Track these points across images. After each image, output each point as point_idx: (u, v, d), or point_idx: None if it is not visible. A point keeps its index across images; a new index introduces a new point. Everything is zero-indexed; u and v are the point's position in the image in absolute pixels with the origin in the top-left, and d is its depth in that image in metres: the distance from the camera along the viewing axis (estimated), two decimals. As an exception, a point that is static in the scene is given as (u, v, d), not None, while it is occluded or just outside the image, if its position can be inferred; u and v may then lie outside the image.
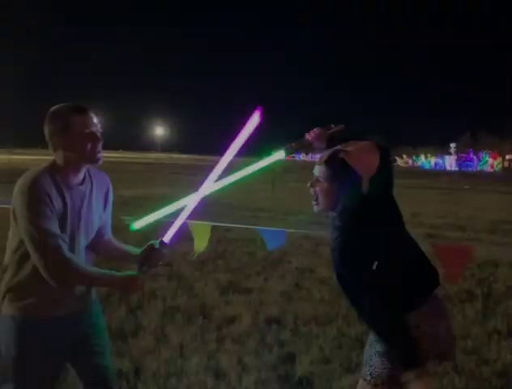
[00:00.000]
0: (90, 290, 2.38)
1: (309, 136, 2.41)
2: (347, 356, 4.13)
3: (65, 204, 2.16)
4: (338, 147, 2.19)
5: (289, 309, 5.33)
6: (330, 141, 2.34)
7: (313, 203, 2.29)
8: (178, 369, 3.81)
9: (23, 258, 2.14)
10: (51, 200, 2.09)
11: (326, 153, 2.22)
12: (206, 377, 3.70)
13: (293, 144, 2.41)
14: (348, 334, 4.55)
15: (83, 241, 2.27)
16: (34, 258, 2.07)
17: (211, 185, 2.24)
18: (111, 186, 2.48)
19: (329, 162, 2.18)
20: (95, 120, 2.25)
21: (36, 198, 2.06)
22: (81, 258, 2.24)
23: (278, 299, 5.72)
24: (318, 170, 2.24)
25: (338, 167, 2.14)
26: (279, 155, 2.38)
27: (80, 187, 2.25)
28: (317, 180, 2.24)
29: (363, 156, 2.10)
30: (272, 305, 5.44)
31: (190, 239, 3.86)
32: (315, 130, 2.36)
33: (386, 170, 2.15)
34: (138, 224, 2.33)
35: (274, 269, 7.21)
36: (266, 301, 5.63)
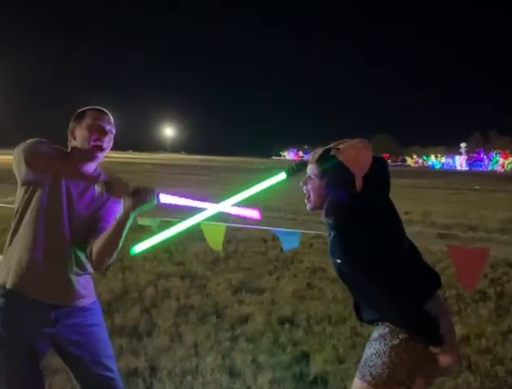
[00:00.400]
0: (75, 286, 2.33)
1: (309, 157, 2.44)
2: (361, 355, 4.12)
3: (55, 179, 2.24)
4: (330, 145, 2.19)
5: (302, 309, 5.34)
6: None
7: (306, 201, 2.30)
8: (193, 368, 3.83)
9: (14, 230, 2.26)
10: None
11: (318, 151, 2.22)
12: (222, 375, 3.73)
13: (294, 166, 2.43)
14: (362, 333, 4.54)
15: (66, 223, 2.26)
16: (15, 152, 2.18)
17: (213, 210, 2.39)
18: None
19: (320, 160, 2.18)
20: (110, 121, 2.37)
21: (40, 141, 2.24)
22: (57, 236, 2.26)
23: (290, 298, 5.74)
24: (310, 168, 2.24)
25: (329, 164, 2.13)
26: (281, 176, 2.41)
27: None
28: (309, 177, 2.25)
29: (355, 153, 2.10)
30: (285, 305, 5.46)
31: (202, 239, 3.89)
32: (316, 150, 2.37)
33: (380, 172, 2.17)
34: (139, 248, 2.34)
35: (285, 269, 7.24)
36: (279, 300, 5.65)
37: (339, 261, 2.15)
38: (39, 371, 2.30)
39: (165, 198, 2.26)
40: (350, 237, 2.12)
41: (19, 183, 2.28)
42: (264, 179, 2.39)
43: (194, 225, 2.40)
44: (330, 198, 2.16)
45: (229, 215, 2.45)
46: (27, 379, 2.24)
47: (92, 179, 2.16)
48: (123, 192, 2.16)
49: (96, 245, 2.23)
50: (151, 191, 2.18)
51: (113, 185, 2.14)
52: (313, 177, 2.22)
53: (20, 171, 2.20)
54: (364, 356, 2.25)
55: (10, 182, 17.67)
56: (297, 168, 2.40)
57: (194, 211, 2.36)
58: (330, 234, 2.23)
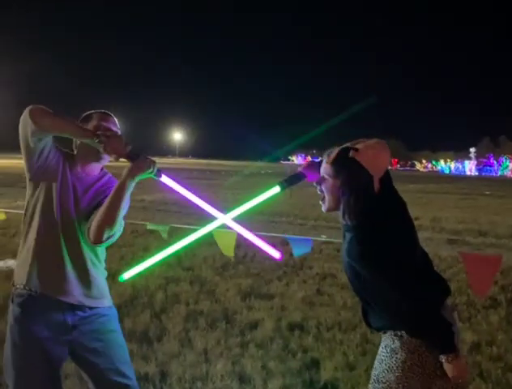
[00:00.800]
0: (90, 285, 2.32)
1: (301, 169, 2.43)
2: (372, 362, 4.09)
3: (63, 176, 2.27)
4: (347, 144, 2.16)
5: (311, 315, 5.33)
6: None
7: (320, 202, 2.27)
8: (203, 374, 3.84)
9: (26, 231, 2.29)
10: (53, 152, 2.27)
11: (335, 151, 2.17)
12: (232, 382, 3.73)
13: (287, 179, 2.44)
14: (372, 340, 4.53)
15: (75, 220, 2.27)
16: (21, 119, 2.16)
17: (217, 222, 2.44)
18: None
19: (337, 160, 2.14)
20: (115, 123, 2.41)
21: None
22: (69, 236, 2.27)
23: (300, 305, 5.73)
24: (324, 168, 2.20)
25: (347, 165, 2.09)
26: (274, 190, 2.42)
27: (85, 177, 2.34)
28: (323, 178, 2.21)
29: (374, 154, 2.09)
30: (294, 311, 5.45)
31: (211, 244, 3.90)
32: (332, 149, 2.34)
33: (388, 174, 2.16)
34: (128, 275, 2.32)
35: (295, 274, 7.22)
36: (288, 306, 5.64)
37: (354, 262, 2.12)
38: (58, 378, 2.31)
39: (166, 180, 2.26)
40: (369, 239, 2.07)
41: (27, 172, 2.27)
42: (271, 183, 2.41)
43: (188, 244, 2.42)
44: (346, 199, 2.12)
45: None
46: (47, 386, 2.25)
47: (92, 133, 2.12)
48: (120, 149, 2.11)
49: (95, 218, 2.20)
50: (151, 161, 2.16)
51: (112, 139, 2.09)
52: (327, 177, 2.18)
53: (27, 130, 2.14)
54: (376, 372, 2.21)
55: (19, 186, 17.86)
56: (291, 182, 2.41)
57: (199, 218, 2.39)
58: (345, 235, 2.21)
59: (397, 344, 2.13)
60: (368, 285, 2.16)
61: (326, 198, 2.22)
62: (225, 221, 2.44)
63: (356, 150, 2.08)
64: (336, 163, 2.14)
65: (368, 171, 2.05)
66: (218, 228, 2.54)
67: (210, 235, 3.81)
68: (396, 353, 2.12)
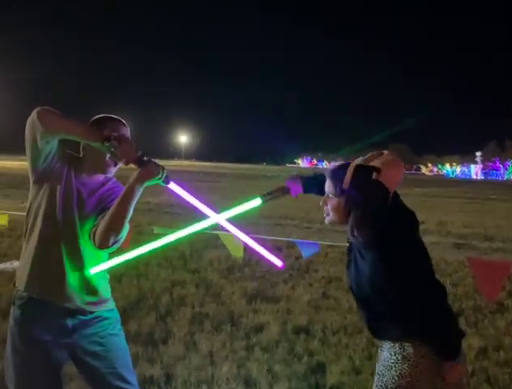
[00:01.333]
0: (92, 289, 2.31)
1: (286, 183, 2.46)
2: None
3: (67, 180, 2.24)
4: (358, 161, 2.14)
5: (317, 319, 5.31)
6: (304, 186, 2.50)
7: (324, 215, 2.27)
8: (209, 377, 3.82)
9: (28, 234, 2.27)
10: (59, 156, 2.24)
11: (349, 171, 2.10)
12: (237, 385, 3.72)
13: (270, 192, 2.44)
14: (378, 344, 4.49)
15: (78, 224, 2.25)
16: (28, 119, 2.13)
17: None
18: None
19: (355, 182, 2.09)
20: (127, 131, 2.34)
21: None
22: (69, 239, 2.24)
23: (305, 308, 5.71)
24: (328, 186, 2.19)
25: (371, 187, 2.05)
26: (256, 202, 2.42)
27: (90, 182, 2.31)
28: (328, 196, 2.20)
29: (396, 173, 2.09)
30: (300, 314, 5.43)
31: (217, 247, 3.90)
32: (332, 165, 2.34)
33: None
34: (95, 270, 2.32)
35: (301, 277, 7.20)
36: (294, 309, 5.62)
37: (380, 277, 2.09)
38: (59, 381, 2.30)
39: (174, 186, 2.23)
40: (391, 254, 2.05)
41: (32, 174, 2.25)
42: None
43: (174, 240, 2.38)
44: (359, 217, 2.08)
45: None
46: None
47: (102, 137, 2.06)
48: (131, 154, 2.07)
49: (101, 222, 2.17)
50: (161, 167, 2.12)
51: (123, 144, 2.05)
52: (332, 196, 2.18)
53: (35, 132, 2.10)
54: (383, 379, 2.18)
55: (25, 188, 17.90)
56: (274, 195, 2.43)
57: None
58: (361, 253, 2.18)
59: (409, 350, 2.11)
60: (383, 295, 2.16)
61: (331, 214, 2.22)
62: (220, 221, 2.40)
63: (378, 171, 2.05)
64: (357, 184, 2.09)
65: (388, 189, 2.04)
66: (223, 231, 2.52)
67: (216, 237, 3.83)
68: (408, 360, 2.11)
